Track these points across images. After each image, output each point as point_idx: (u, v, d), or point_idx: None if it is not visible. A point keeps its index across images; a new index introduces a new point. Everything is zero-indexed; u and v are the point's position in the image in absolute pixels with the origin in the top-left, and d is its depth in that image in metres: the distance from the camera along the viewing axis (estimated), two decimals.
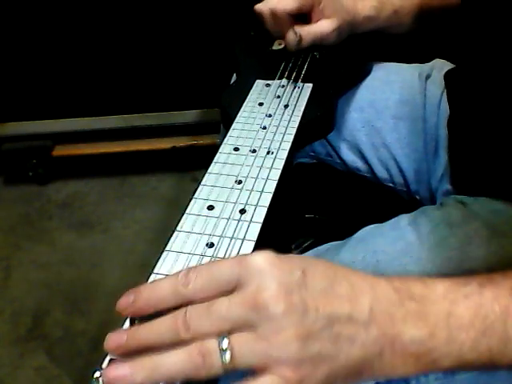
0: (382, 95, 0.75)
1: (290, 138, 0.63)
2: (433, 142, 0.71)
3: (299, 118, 0.66)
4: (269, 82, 0.72)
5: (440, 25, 0.77)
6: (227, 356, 0.35)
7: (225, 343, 0.35)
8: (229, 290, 0.37)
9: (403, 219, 0.61)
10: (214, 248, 0.49)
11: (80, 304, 1.28)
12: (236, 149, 0.61)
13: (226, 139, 0.63)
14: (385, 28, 0.73)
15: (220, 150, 0.61)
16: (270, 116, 0.66)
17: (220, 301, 0.36)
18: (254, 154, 0.60)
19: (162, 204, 1.50)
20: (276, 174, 0.57)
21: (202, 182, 0.56)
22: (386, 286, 0.40)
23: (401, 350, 0.38)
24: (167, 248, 0.49)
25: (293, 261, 0.39)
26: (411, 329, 0.38)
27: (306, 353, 0.36)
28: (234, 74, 0.83)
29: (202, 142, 1.48)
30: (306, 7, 0.70)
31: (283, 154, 0.60)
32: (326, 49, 0.74)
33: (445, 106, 0.71)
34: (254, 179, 0.56)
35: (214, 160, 0.60)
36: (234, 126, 0.65)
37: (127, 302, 0.38)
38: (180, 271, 0.38)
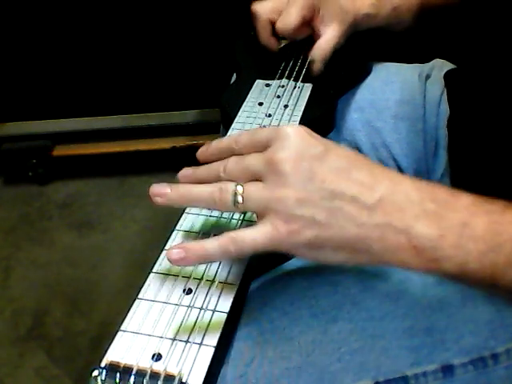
0: (381, 95, 0.75)
1: None
2: (433, 142, 0.71)
3: (299, 118, 0.66)
4: (269, 81, 0.73)
5: (439, 23, 0.77)
6: (239, 198, 0.43)
7: (239, 188, 0.43)
8: (262, 149, 0.44)
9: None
10: None
11: (80, 304, 1.28)
12: None
13: None
14: (384, 26, 0.73)
15: None
16: (269, 116, 0.66)
17: (250, 155, 0.45)
18: None
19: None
20: None
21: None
22: (410, 184, 0.42)
23: (405, 240, 0.40)
24: (166, 247, 0.49)
25: (322, 139, 0.45)
26: (421, 226, 0.40)
27: (298, 211, 0.41)
28: (234, 74, 0.83)
29: (202, 142, 1.48)
30: (307, 19, 0.70)
31: None
32: None
33: (445, 106, 0.71)
34: None
35: None
36: (233, 125, 0.65)
37: (204, 149, 0.49)
38: (235, 134, 0.49)
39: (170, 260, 0.44)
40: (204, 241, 0.44)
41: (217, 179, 0.46)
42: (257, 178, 0.44)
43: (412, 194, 0.42)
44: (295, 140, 0.43)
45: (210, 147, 0.49)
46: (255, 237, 0.43)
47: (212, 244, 0.44)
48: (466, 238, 0.40)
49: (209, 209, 0.49)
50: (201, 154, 0.50)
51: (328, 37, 0.69)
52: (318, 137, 0.45)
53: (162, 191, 0.46)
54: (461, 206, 0.41)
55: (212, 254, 0.44)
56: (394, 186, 0.42)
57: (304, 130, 0.45)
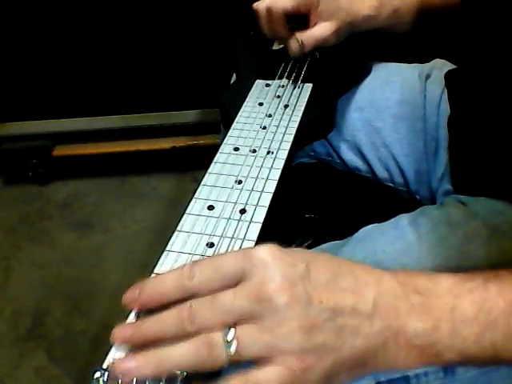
0: (382, 95, 0.75)
1: (290, 137, 0.63)
2: (433, 142, 0.71)
3: (299, 118, 0.66)
4: (269, 81, 0.73)
5: (440, 24, 0.77)
6: (233, 347, 0.35)
7: (230, 335, 0.36)
8: (233, 283, 0.37)
9: (403, 219, 0.61)
10: (214, 248, 0.49)
11: (80, 304, 1.28)
12: (236, 149, 0.61)
13: (226, 139, 0.63)
14: (385, 27, 0.73)
15: (220, 150, 0.61)
16: (270, 116, 0.66)
17: (225, 293, 0.37)
18: (254, 154, 0.60)
19: (162, 204, 1.50)
20: (276, 174, 0.57)
21: (202, 182, 0.56)
22: (391, 279, 0.40)
23: (404, 341, 0.38)
24: (167, 248, 0.49)
25: (296, 254, 0.39)
26: (415, 321, 0.38)
27: (309, 344, 0.36)
28: (234, 74, 0.83)
29: (202, 142, 1.48)
30: (303, 8, 0.69)
31: (283, 154, 0.60)
32: (325, 49, 0.74)
33: (445, 105, 0.71)
34: (254, 179, 0.56)
35: (214, 160, 0.60)
36: (234, 125, 0.65)
37: (132, 295, 0.39)
38: (184, 265, 0.39)
39: None
40: None
41: (177, 332, 0.36)
42: (242, 319, 0.36)
43: (396, 289, 0.40)
44: (275, 264, 0.37)
45: (146, 289, 0.39)
46: (269, 381, 0.36)
47: None
48: (460, 323, 0.39)
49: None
50: (130, 299, 0.39)
51: (319, 29, 0.69)
52: (291, 251, 0.39)
53: (128, 367, 0.36)
54: (443, 291, 0.40)
55: None
56: (379, 285, 0.39)
57: (275, 248, 0.39)
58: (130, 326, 0.38)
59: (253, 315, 0.36)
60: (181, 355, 0.36)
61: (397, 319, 0.38)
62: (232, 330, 0.36)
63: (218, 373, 0.37)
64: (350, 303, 0.38)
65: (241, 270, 0.37)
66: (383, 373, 0.48)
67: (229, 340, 0.35)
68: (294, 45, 0.69)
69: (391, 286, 0.40)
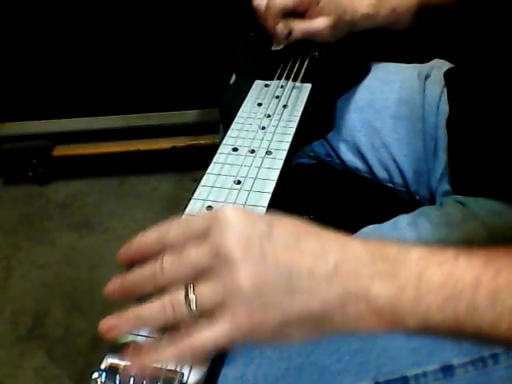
0: (381, 95, 0.75)
1: (289, 138, 0.63)
2: (432, 142, 0.71)
3: (298, 119, 0.66)
4: (268, 82, 0.73)
5: (438, 23, 0.77)
6: (193, 304, 0.38)
7: (190, 292, 0.39)
8: (200, 239, 0.40)
9: (403, 219, 0.61)
10: None
11: (80, 304, 1.28)
12: (235, 149, 0.61)
13: (225, 139, 0.63)
14: (383, 26, 0.73)
15: (219, 151, 0.61)
16: (268, 116, 0.66)
17: (190, 249, 0.40)
18: (253, 155, 0.60)
19: (162, 204, 1.50)
20: (275, 175, 0.57)
21: (201, 183, 0.56)
22: (359, 247, 0.40)
23: (365, 305, 0.39)
24: None
25: (261, 216, 0.42)
26: (378, 287, 0.39)
27: (258, 299, 0.38)
28: (234, 74, 0.83)
29: (201, 141, 1.48)
30: (302, 5, 0.69)
31: (282, 155, 0.60)
32: (325, 49, 0.74)
33: (444, 106, 0.71)
34: (252, 179, 0.56)
35: (213, 160, 0.60)
36: (233, 126, 0.65)
37: (124, 251, 0.43)
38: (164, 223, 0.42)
39: (124, 369, 0.41)
40: (159, 350, 0.40)
41: (154, 283, 0.40)
42: (203, 274, 0.39)
43: (363, 255, 0.40)
44: (237, 222, 0.40)
45: (133, 245, 0.43)
46: (215, 338, 0.38)
47: (168, 353, 0.39)
48: (424, 292, 0.39)
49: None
50: (123, 254, 0.43)
51: (317, 22, 0.69)
52: (257, 214, 0.42)
53: (111, 325, 0.42)
54: (413, 261, 0.40)
55: (168, 361, 0.40)
56: (345, 250, 0.40)
57: (241, 210, 0.42)
58: (117, 279, 0.43)
59: (211, 270, 0.39)
60: (151, 313, 0.40)
61: (358, 284, 0.39)
62: (191, 287, 0.39)
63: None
64: (308, 265, 0.39)
65: (207, 226, 0.40)
66: (382, 374, 0.49)
67: (190, 298, 0.38)
68: (280, 28, 0.69)
69: (358, 252, 0.40)
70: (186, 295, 0.39)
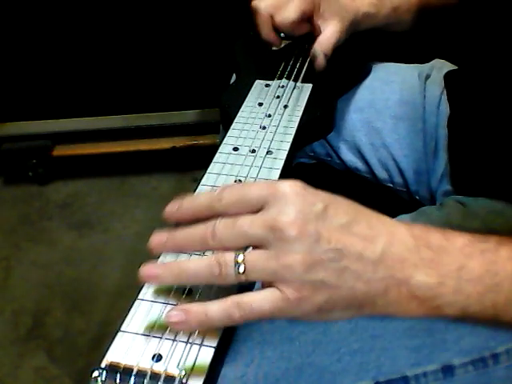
0: (381, 95, 0.75)
1: (290, 138, 0.63)
2: (432, 143, 0.71)
3: (299, 119, 0.66)
4: (268, 82, 0.73)
5: (439, 23, 0.77)
6: (241, 268, 0.39)
7: (240, 257, 0.39)
8: (255, 210, 0.41)
9: (403, 219, 0.61)
10: None
11: (80, 304, 1.28)
12: (235, 149, 0.61)
13: (225, 139, 0.63)
14: (384, 26, 0.73)
15: (219, 150, 0.61)
16: (269, 116, 0.66)
17: (244, 218, 0.40)
18: (254, 154, 0.60)
19: (162, 204, 1.49)
20: (275, 175, 0.57)
21: (202, 182, 0.56)
22: (405, 232, 0.42)
23: (407, 292, 0.40)
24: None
25: (318, 194, 0.42)
26: (421, 274, 0.40)
27: (309, 277, 0.39)
28: (234, 74, 0.83)
29: (202, 142, 1.48)
30: (306, 14, 0.70)
31: (282, 155, 0.60)
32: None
33: (444, 106, 0.71)
34: (253, 179, 0.56)
35: (214, 160, 0.60)
36: (233, 125, 0.65)
37: (172, 209, 0.43)
38: (217, 188, 0.43)
39: (168, 323, 0.41)
40: (206, 304, 0.40)
41: (203, 246, 0.41)
42: (255, 244, 0.40)
43: (408, 242, 0.41)
44: (295, 200, 0.40)
45: (183, 205, 0.43)
46: (263, 304, 0.40)
47: (216, 309, 0.40)
48: (465, 282, 0.40)
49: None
50: (170, 213, 0.44)
51: (329, 33, 0.69)
52: (314, 191, 0.42)
53: (153, 273, 0.42)
54: (456, 249, 0.41)
55: (214, 319, 0.40)
56: (392, 236, 0.41)
57: (300, 185, 0.42)
58: (165, 234, 0.43)
59: (264, 242, 0.40)
60: (197, 268, 0.41)
61: (402, 270, 0.40)
62: (242, 253, 0.40)
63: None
64: (358, 249, 0.40)
65: (263, 198, 0.41)
66: (382, 373, 0.49)
67: (239, 261, 0.39)
68: (320, 59, 0.69)
69: (404, 238, 0.41)
70: (236, 259, 0.39)
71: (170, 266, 0.42)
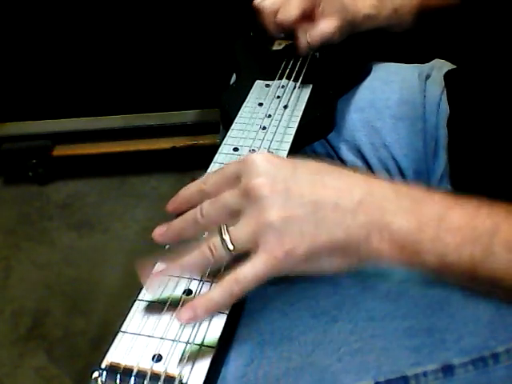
0: (381, 95, 0.75)
1: (290, 138, 0.63)
2: (432, 143, 0.71)
3: (299, 119, 0.66)
4: (269, 82, 0.72)
5: (440, 24, 0.77)
6: (229, 245, 0.42)
7: (225, 235, 0.43)
8: (233, 184, 0.44)
9: None
10: None
11: (80, 304, 1.28)
12: (235, 149, 0.61)
13: (225, 139, 0.63)
14: (385, 27, 0.73)
15: (219, 150, 0.61)
16: (269, 116, 0.66)
17: (225, 193, 0.44)
18: None
19: (162, 204, 1.49)
20: None
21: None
22: (385, 185, 0.44)
23: (388, 236, 0.42)
24: (167, 247, 0.49)
25: (286, 160, 0.47)
26: (401, 220, 0.42)
27: (287, 230, 0.42)
28: (234, 74, 0.83)
29: (202, 142, 1.48)
30: (307, 11, 0.70)
31: (283, 155, 0.60)
32: (326, 49, 0.74)
33: (444, 106, 0.71)
34: None
35: (214, 160, 0.60)
36: (233, 126, 0.65)
37: (173, 202, 0.49)
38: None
39: (180, 321, 0.43)
40: (207, 293, 0.44)
41: (196, 226, 0.45)
42: (236, 215, 0.43)
43: (388, 192, 0.43)
44: (264, 165, 0.44)
45: (179, 196, 0.49)
46: (255, 271, 0.42)
47: (216, 292, 0.43)
48: (444, 231, 0.42)
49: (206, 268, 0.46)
50: (171, 205, 0.49)
51: (322, 26, 0.69)
52: (284, 158, 0.47)
53: (157, 277, 0.46)
54: (436, 202, 0.43)
55: (219, 301, 0.43)
56: (370, 186, 0.44)
57: (268, 154, 0.46)
58: (165, 224, 0.47)
59: (243, 210, 0.43)
60: (193, 260, 0.44)
61: (382, 217, 0.42)
62: (226, 229, 0.43)
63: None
64: (333, 199, 0.42)
65: (238, 171, 0.45)
66: (382, 373, 0.49)
67: (225, 238, 0.42)
68: (303, 43, 0.69)
69: (383, 189, 0.44)
70: (222, 237, 0.43)
71: (170, 268, 0.45)
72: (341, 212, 0.42)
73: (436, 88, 0.73)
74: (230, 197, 0.44)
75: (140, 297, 0.46)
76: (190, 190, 0.48)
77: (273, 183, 0.43)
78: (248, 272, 0.42)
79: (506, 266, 0.41)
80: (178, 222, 0.47)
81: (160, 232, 0.47)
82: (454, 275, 0.43)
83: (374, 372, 0.48)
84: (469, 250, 0.41)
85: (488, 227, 0.42)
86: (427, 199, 0.44)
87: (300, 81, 0.72)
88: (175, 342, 0.42)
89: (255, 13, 0.71)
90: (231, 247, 0.42)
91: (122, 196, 1.55)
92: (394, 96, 0.75)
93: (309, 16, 0.71)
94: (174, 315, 0.44)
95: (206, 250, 0.43)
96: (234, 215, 0.43)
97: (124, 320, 0.44)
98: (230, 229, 0.43)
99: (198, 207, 0.45)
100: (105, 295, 1.28)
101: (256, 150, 0.60)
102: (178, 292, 0.46)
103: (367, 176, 0.45)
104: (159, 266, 0.46)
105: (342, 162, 0.78)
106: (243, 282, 0.42)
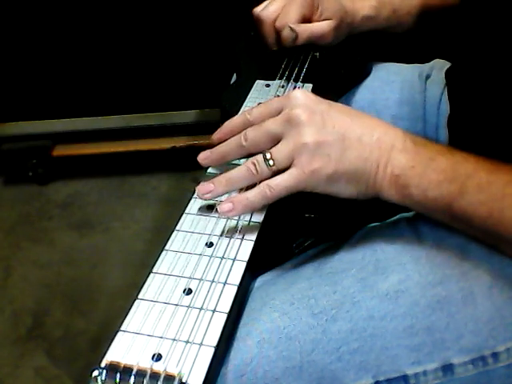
0: (381, 95, 0.76)
1: None
2: None
3: None
4: (269, 82, 0.72)
5: (439, 24, 0.77)
6: (270, 162, 0.50)
7: (267, 153, 0.50)
8: (276, 115, 0.51)
9: (403, 219, 0.61)
10: (213, 247, 0.49)
11: (80, 304, 1.28)
12: None
13: None
14: (384, 28, 0.73)
15: None
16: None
17: (268, 120, 0.51)
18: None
19: (162, 204, 1.50)
20: None
21: (202, 182, 0.56)
22: (398, 130, 0.52)
23: (390, 171, 0.50)
24: (166, 247, 0.50)
25: (325, 99, 0.53)
26: (400, 157, 0.50)
27: (318, 152, 0.49)
28: (234, 74, 0.83)
29: (202, 141, 1.48)
30: (306, 16, 0.70)
31: None
32: (326, 49, 0.74)
33: (445, 106, 0.71)
34: None
35: None
36: None
37: (218, 133, 0.55)
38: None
39: (221, 213, 0.50)
40: (245, 192, 0.51)
41: (239, 150, 0.52)
42: (277, 139, 0.50)
43: (398, 135, 0.51)
44: (304, 99, 0.51)
45: (224, 127, 0.54)
46: (286, 180, 0.49)
47: (252, 192, 0.50)
48: (431, 170, 0.49)
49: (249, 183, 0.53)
50: (216, 135, 0.55)
51: (320, 25, 0.70)
52: (319, 97, 0.53)
53: (208, 189, 0.51)
54: (433, 147, 0.51)
55: (253, 201, 0.50)
56: (387, 129, 0.52)
57: (309, 92, 0.54)
58: (208, 150, 0.54)
59: (284, 133, 0.50)
60: (239, 173, 0.51)
61: (390, 153, 0.50)
62: (268, 151, 0.50)
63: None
64: (358, 134, 0.50)
65: (281, 104, 0.52)
66: (382, 372, 0.49)
67: (267, 157, 0.50)
68: (287, 33, 0.69)
69: (396, 132, 0.52)
70: (265, 156, 0.50)
71: (218, 179, 0.52)
72: (362, 145, 0.50)
73: (436, 88, 0.74)
74: (272, 123, 0.51)
75: (140, 296, 0.46)
76: (235, 121, 0.54)
77: (311, 113, 0.50)
78: (280, 181, 0.49)
79: (475, 205, 0.47)
80: (222, 147, 0.53)
81: (204, 156, 0.53)
82: (435, 210, 0.50)
83: (374, 371, 0.48)
84: (447, 188, 0.48)
85: (467, 171, 0.48)
86: (428, 144, 0.51)
87: (300, 81, 0.72)
88: (175, 341, 0.42)
89: (255, 22, 0.72)
90: (271, 163, 0.49)
91: (122, 196, 1.55)
92: (394, 96, 0.75)
93: (308, 21, 0.71)
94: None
95: (251, 165, 0.50)
96: (275, 140, 0.50)
97: (124, 319, 0.44)
98: (272, 149, 0.50)
99: (242, 132, 0.52)
100: (105, 295, 1.28)
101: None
102: (178, 292, 0.46)
103: (386, 122, 0.53)
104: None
105: None
106: (275, 188, 0.49)
